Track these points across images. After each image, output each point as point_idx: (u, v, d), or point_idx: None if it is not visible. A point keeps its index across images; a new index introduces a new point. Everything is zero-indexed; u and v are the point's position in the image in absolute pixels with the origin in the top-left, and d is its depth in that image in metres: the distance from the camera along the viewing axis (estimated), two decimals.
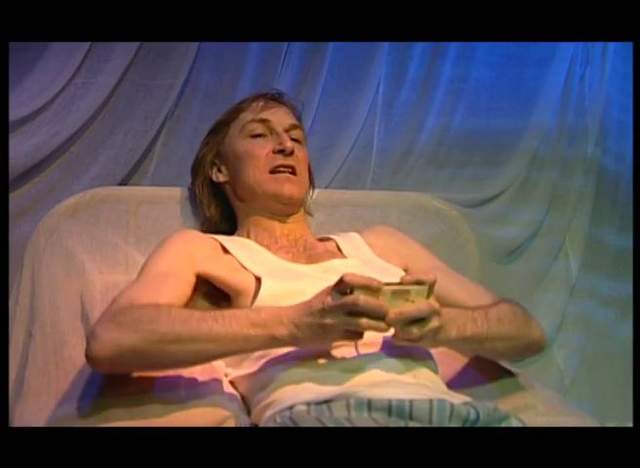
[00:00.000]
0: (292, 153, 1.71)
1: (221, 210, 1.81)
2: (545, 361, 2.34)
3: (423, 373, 1.43)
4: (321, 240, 1.76)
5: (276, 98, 1.82)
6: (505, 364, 1.71)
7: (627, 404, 1.96)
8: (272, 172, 1.70)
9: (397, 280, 1.35)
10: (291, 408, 1.33)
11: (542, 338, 1.63)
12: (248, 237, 1.71)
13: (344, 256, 1.67)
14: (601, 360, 2.40)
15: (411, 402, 1.29)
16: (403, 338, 1.35)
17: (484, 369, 1.64)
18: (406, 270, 1.68)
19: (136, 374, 1.43)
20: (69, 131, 1.96)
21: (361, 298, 1.28)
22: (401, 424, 1.27)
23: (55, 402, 1.43)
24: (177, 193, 1.89)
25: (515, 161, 2.35)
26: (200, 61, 2.11)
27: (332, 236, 1.77)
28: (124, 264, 1.77)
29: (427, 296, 1.34)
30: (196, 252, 1.60)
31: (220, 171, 1.79)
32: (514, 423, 1.33)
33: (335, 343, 1.38)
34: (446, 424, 1.27)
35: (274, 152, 1.71)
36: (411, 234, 1.85)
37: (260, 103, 1.78)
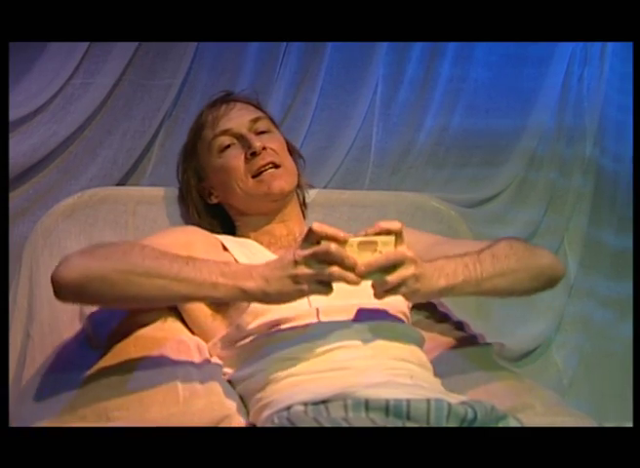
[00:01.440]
0: (265, 149, 1.69)
1: (224, 225, 1.79)
2: (544, 361, 2.34)
3: (420, 374, 1.43)
4: None
5: (228, 100, 1.78)
6: (504, 363, 1.72)
7: (626, 404, 1.96)
8: (255, 175, 1.69)
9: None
10: (288, 408, 1.33)
11: (553, 263, 1.60)
12: (249, 238, 1.71)
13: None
14: (599, 360, 2.40)
15: (408, 401, 1.28)
16: (381, 291, 1.34)
17: (482, 368, 1.64)
18: None
19: (135, 374, 1.44)
20: (67, 131, 1.96)
21: (332, 246, 1.29)
22: (398, 424, 1.27)
23: (53, 402, 1.43)
24: (175, 193, 1.88)
25: (513, 161, 2.36)
26: (198, 62, 2.10)
27: None
28: None
29: (396, 245, 1.34)
30: (196, 242, 1.60)
31: (211, 193, 1.78)
32: (512, 423, 1.33)
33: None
34: (443, 424, 1.27)
35: (248, 157, 1.69)
36: None
37: (215, 114, 1.75)
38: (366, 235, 1.34)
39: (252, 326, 1.48)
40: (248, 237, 1.72)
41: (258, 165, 1.68)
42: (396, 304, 1.55)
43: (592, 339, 2.41)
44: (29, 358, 1.62)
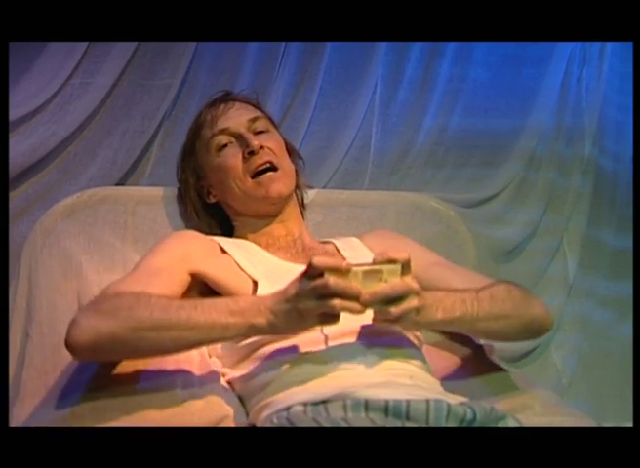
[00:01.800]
0: (262, 148, 1.68)
1: (222, 224, 1.79)
2: (543, 361, 2.34)
3: (419, 375, 1.43)
4: (320, 242, 1.76)
5: (226, 100, 1.78)
6: (503, 363, 1.72)
7: (625, 404, 1.97)
8: (254, 176, 1.68)
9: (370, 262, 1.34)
10: (288, 408, 1.33)
11: (545, 316, 1.59)
12: (246, 239, 1.71)
13: (344, 258, 1.66)
14: (598, 360, 2.40)
15: (408, 402, 1.29)
16: (381, 319, 1.34)
17: (481, 369, 1.65)
18: None
19: (134, 374, 1.44)
20: (67, 131, 1.96)
21: (330, 280, 1.28)
22: (398, 424, 1.27)
23: (52, 402, 1.43)
24: (174, 193, 1.88)
25: (513, 161, 2.36)
26: (197, 62, 2.10)
27: (331, 240, 1.76)
28: (121, 264, 1.77)
29: (402, 275, 1.33)
30: (193, 250, 1.60)
31: (209, 192, 1.78)
32: (511, 423, 1.34)
33: (332, 340, 1.40)
34: (443, 424, 1.28)
35: (245, 156, 1.68)
36: (408, 234, 1.85)
37: (213, 113, 1.75)
38: (373, 263, 1.33)
39: None
40: (246, 238, 1.71)
41: (255, 164, 1.67)
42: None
43: (591, 339, 2.41)
44: (28, 358, 1.62)
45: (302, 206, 1.85)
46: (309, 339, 1.42)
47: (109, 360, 1.44)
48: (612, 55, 2.44)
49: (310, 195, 1.95)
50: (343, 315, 1.31)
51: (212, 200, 1.78)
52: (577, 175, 2.43)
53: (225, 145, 1.72)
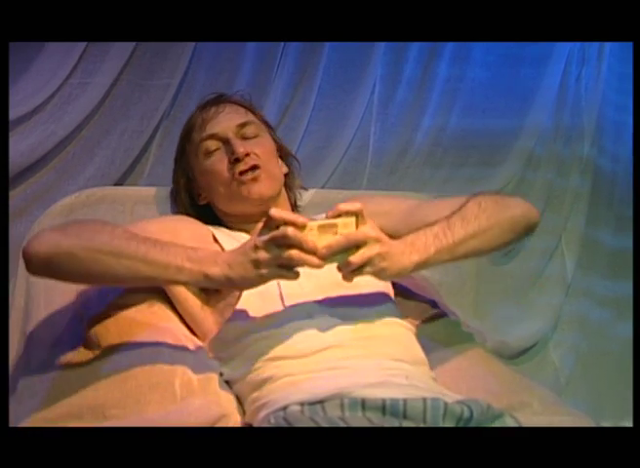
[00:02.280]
0: (248, 155, 1.68)
1: (214, 224, 1.79)
2: (541, 359, 2.35)
3: (416, 375, 1.43)
4: None
5: (218, 103, 1.78)
6: (501, 361, 1.72)
7: (622, 403, 1.97)
8: (239, 179, 1.67)
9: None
10: (285, 408, 1.33)
11: (525, 213, 1.58)
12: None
13: None
14: (596, 359, 2.40)
15: (405, 401, 1.29)
16: (347, 273, 1.35)
17: (479, 366, 1.65)
18: (384, 230, 1.68)
19: (132, 374, 1.44)
20: (65, 131, 1.96)
21: (289, 229, 1.30)
22: (395, 424, 1.27)
23: (50, 402, 1.43)
24: None
25: (511, 161, 2.36)
26: (196, 62, 2.10)
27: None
28: None
29: (358, 226, 1.34)
30: (182, 229, 1.61)
31: (199, 194, 1.78)
32: (508, 421, 1.34)
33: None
34: (440, 423, 1.28)
35: (232, 162, 1.68)
36: None
37: (204, 116, 1.75)
38: (327, 218, 1.34)
39: (243, 326, 1.48)
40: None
41: (239, 170, 1.67)
42: (377, 284, 1.55)
43: (589, 338, 2.42)
44: (26, 357, 1.62)
45: (295, 206, 1.85)
46: (305, 336, 1.43)
47: (61, 279, 1.46)
48: (610, 55, 2.45)
49: (308, 195, 1.95)
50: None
51: (202, 202, 1.78)
52: (575, 174, 2.43)
53: (214, 150, 1.72)
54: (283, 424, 1.29)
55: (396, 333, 1.50)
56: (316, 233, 1.32)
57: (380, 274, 1.38)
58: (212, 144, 1.72)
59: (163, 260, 1.37)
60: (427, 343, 1.61)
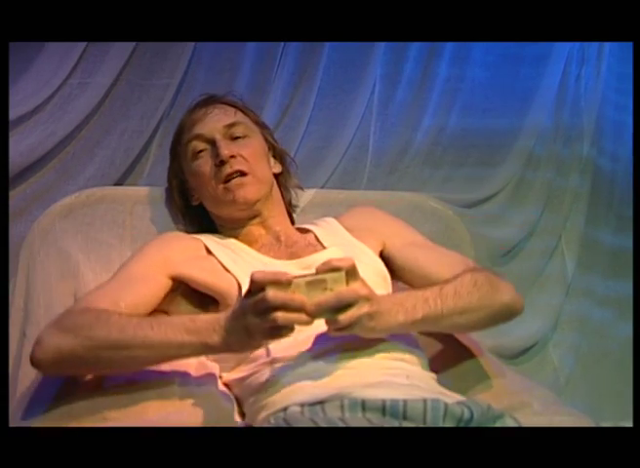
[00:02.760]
0: (233, 157, 1.66)
1: (206, 225, 1.78)
2: (541, 359, 2.35)
3: (416, 374, 1.43)
4: (300, 230, 1.74)
5: (207, 104, 1.77)
6: (501, 361, 1.72)
7: (622, 403, 1.97)
8: (224, 182, 1.66)
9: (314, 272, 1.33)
10: (285, 409, 1.34)
11: (513, 302, 1.55)
12: (229, 237, 1.70)
13: (324, 247, 1.66)
14: (596, 359, 2.40)
15: (405, 402, 1.29)
16: (334, 329, 1.33)
17: (479, 367, 1.65)
18: (383, 249, 1.68)
19: (132, 375, 1.44)
20: (65, 131, 1.95)
21: (269, 294, 1.27)
22: (395, 424, 1.27)
23: (49, 402, 1.43)
24: None
25: (511, 161, 2.36)
26: (196, 62, 2.10)
27: (309, 226, 1.75)
28: (119, 264, 1.75)
29: (349, 282, 1.32)
30: (173, 254, 1.61)
31: (192, 195, 1.78)
32: (508, 422, 1.34)
33: (306, 349, 1.41)
34: (440, 424, 1.28)
35: (217, 165, 1.66)
36: None
37: (193, 117, 1.74)
38: (316, 273, 1.32)
39: None
40: (230, 237, 1.70)
41: (225, 173, 1.66)
42: (377, 286, 1.53)
43: (589, 338, 2.42)
44: (25, 358, 1.61)
45: (290, 206, 1.83)
46: (305, 339, 1.42)
47: (72, 375, 1.46)
48: (610, 54, 2.45)
49: (308, 195, 1.95)
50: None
51: (195, 202, 1.78)
52: (575, 174, 2.43)
53: (200, 151, 1.71)
54: (283, 425, 1.29)
55: (396, 335, 1.50)
56: (304, 289, 1.29)
57: (366, 333, 1.37)
58: (199, 145, 1.71)
59: (163, 341, 1.36)
60: (428, 344, 1.61)
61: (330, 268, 1.31)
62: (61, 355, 1.38)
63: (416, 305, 1.41)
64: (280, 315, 1.27)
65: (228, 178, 1.66)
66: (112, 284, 1.55)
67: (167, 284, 1.57)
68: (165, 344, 1.36)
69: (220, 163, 1.66)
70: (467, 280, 1.50)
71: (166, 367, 1.45)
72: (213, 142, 1.69)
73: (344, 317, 1.31)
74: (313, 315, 1.30)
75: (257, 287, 1.29)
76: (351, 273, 1.32)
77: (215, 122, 1.72)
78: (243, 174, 1.66)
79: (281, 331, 1.30)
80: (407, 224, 1.77)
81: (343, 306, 1.31)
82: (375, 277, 1.56)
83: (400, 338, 1.49)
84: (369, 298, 1.33)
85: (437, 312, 1.42)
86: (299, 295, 1.28)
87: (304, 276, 1.31)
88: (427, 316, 1.42)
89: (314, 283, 1.30)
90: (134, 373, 1.44)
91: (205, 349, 1.36)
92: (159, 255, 1.60)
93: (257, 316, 1.29)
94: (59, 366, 1.40)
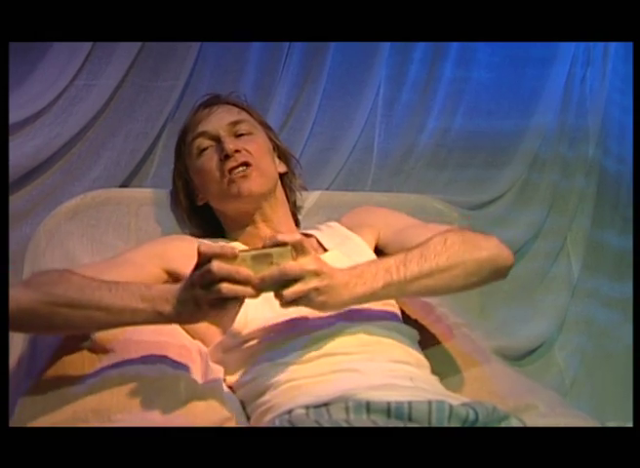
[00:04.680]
0: (238, 151, 1.67)
1: (213, 226, 1.79)
2: (546, 361, 2.34)
3: (420, 377, 1.43)
4: (303, 235, 1.75)
5: (212, 104, 1.78)
6: (506, 363, 1.71)
7: (628, 405, 1.96)
8: (229, 176, 1.67)
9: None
10: (290, 411, 1.33)
11: (493, 256, 1.51)
12: (237, 240, 1.70)
13: (326, 250, 1.66)
14: (602, 361, 2.40)
15: (410, 403, 1.29)
16: (283, 303, 1.33)
17: (484, 369, 1.64)
18: (378, 240, 1.67)
19: (136, 376, 1.44)
20: (70, 132, 1.96)
21: (214, 265, 1.27)
22: (400, 426, 1.27)
23: (53, 403, 1.43)
24: None
25: (516, 162, 2.36)
26: (201, 63, 2.11)
27: (311, 231, 1.75)
28: None
29: (298, 257, 1.32)
30: (172, 250, 1.61)
31: (197, 195, 1.78)
32: (514, 423, 1.34)
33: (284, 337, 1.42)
34: (445, 425, 1.28)
35: (222, 160, 1.67)
36: None
37: (198, 116, 1.76)
38: (262, 248, 1.32)
39: (245, 332, 1.48)
40: (236, 239, 1.71)
41: (229, 167, 1.67)
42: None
43: (595, 340, 2.42)
44: (29, 359, 1.61)
45: (295, 207, 1.84)
46: (307, 342, 1.43)
47: (30, 332, 1.50)
48: (615, 56, 2.45)
49: (314, 197, 1.95)
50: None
51: (200, 202, 1.78)
52: (580, 176, 2.43)
53: (205, 148, 1.72)
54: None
55: (398, 337, 1.50)
56: (250, 263, 1.29)
57: (318, 307, 1.36)
58: (203, 142, 1.72)
59: (117, 304, 1.36)
60: (431, 346, 1.61)
61: (276, 243, 1.32)
62: (19, 309, 1.38)
63: (376, 275, 1.40)
64: (225, 286, 1.27)
65: (233, 172, 1.66)
66: (102, 263, 1.57)
67: (159, 275, 1.57)
68: (119, 308, 1.36)
69: (225, 157, 1.67)
70: (436, 241, 1.47)
71: (170, 369, 1.45)
72: (217, 139, 1.70)
73: (288, 292, 1.31)
74: (259, 289, 1.30)
75: (203, 259, 1.30)
76: (299, 248, 1.33)
77: (219, 120, 1.73)
78: (247, 165, 1.67)
79: (226, 303, 1.30)
80: (398, 212, 1.77)
81: (290, 281, 1.31)
82: None
83: (402, 340, 1.49)
84: (317, 273, 1.33)
85: (400, 279, 1.41)
86: (244, 269, 1.29)
87: (250, 250, 1.33)
88: (389, 284, 1.40)
89: (260, 257, 1.31)
90: (136, 370, 1.44)
91: (157, 317, 1.36)
92: (157, 248, 1.61)
93: (203, 287, 1.29)
94: (17, 319, 1.40)
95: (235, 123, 1.74)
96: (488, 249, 1.51)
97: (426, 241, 1.47)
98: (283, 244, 1.32)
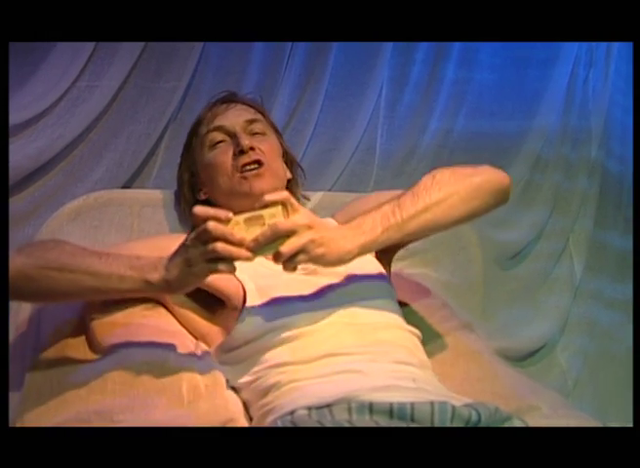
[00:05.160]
0: (252, 149, 1.68)
1: None
2: (548, 362, 2.34)
3: (422, 378, 1.43)
4: None
5: (228, 100, 1.80)
6: (508, 364, 1.71)
7: (629, 406, 1.96)
8: (240, 172, 1.68)
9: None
10: (292, 412, 1.33)
11: (490, 178, 1.55)
12: None
13: None
14: (604, 362, 2.40)
15: (412, 404, 1.29)
16: (283, 265, 1.34)
17: (487, 370, 1.64)
18: None
19: (138, 376, 1.44)
20: (73, 134, 1.96)
21: (210, 224, 1.30)
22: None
23: (56, 403, 1.43)
24: None
25: (519, 164, 2.35)
26: (203, 64, 2.11)
27: None
28: None
29: (286, 215, 1.33)
30: (173, 245, 1.61)
31: (200, 189, 1.78)
32: (516, 424, 1.34)
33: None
34: (448, 426, 1.27)
35: (236, 154, 1.68)
36: None
37: (214, 111, 1.77)
38: (253, 210, 1.34)
39: (248, 333, 1.48)
40: None
41: (243, 162, 1.67)
42: (379, 288, 1.56)
43: (597, 341, 2.41)
44: (27, 358, 1.62)
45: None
46: (309, 343, 1.43)
47: (23, 299, 1.55)
48: (618, 57, 2.44)
49: (316, 198, 1.95)
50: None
51: (202, 197, 1.78)
52: (583, 177, 2.43)
53: (219, 142, 1.73)
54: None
55: (401, 338, 1.50)
56: (243, 226, 1.32)
57: (318, 261, 1.37)
58: (218, 136, 1.73)
59: (105, 271, 1.40)
60: (434, 346, 1.61)
61: (266, 204, 1.34)
62: (12, 273, 1.41)
63: (374, 223, 1.42)
64: (220, 245, 1.30)
65: (246, 168, 1.67)
66: (104, 251, 1.56)
67: None
68: (107, 274, 1.39)
69: (240, 152, 1.67)
70: (425, 179, 1.51)
71: (173, 369, 1.45)
72: (233, 135, 1.71)
73: (284, 247, 1.32)
74: (254, 251, 1.31)
75: (199, 220, 1.32)
76: (289, 206, 1.35)
77: (236, 116, 1.75)
78: (260, 163, 1.68)
79: (220, 263, 1.32)
80: (391, 191, 1.76)
81: (285, 238, 1.32)
82: (376, 272, 1.58)
83: (405, 341, 1.49)
84: (310, 226, 1.34)
85: (397, 221, 1.43)
86: (239, 232, 1.31)
87: (242, 213, 1.33)
88: (388, 228, 1.42)
89: (252, 219, 1.33)
90: (137, 371, 1.44)
91: (145, 285, 1.38)
92: (159, 243, 1.61)
93: (198, 246, 1.32)
94: (11, 285, 1.41)
95: (251, 121, 1.75)
96: (480, 173, 1.55)
97: (416, 182, 1.50)
98: (273, 204, 1.33)
